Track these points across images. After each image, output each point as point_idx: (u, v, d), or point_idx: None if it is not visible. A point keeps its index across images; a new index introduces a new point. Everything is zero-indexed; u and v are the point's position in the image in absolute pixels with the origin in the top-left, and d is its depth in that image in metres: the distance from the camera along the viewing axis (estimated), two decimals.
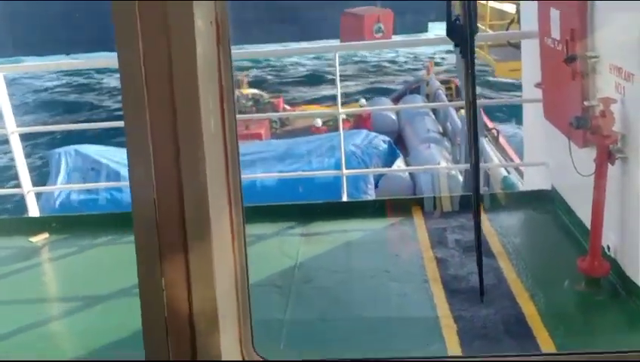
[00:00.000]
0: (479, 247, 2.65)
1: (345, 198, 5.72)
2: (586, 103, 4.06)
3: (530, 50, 5.79)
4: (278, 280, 4.44)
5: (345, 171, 5.72)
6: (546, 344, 3.74)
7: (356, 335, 3.85)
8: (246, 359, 1.60)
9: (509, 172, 10.89)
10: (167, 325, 1.56)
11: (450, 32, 2.39)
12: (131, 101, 1.49)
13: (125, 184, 7.93)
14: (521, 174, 10.82)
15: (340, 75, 5.47)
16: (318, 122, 14.93)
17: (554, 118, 4.92)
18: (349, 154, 7.57)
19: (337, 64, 5.23)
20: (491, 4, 12.11)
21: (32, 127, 7.40)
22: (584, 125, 3.83)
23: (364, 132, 9.96)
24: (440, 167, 10.99)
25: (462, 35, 2.33)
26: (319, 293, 4.32)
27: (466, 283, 4.38)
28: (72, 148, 8.63)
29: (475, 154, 2.40)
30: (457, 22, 2.37)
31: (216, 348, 1.56)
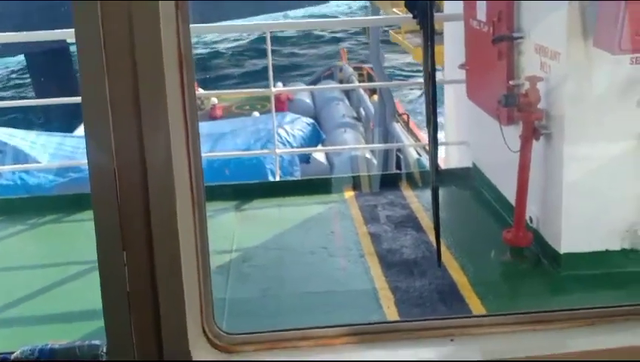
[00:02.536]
0: (437, 220, 2.75)
1: (277, 178, 5.72)
2: (511, 82, 4.29)
3: (452, 34, 6.04)
4: (215, 260, 4.37)
5: (278, 151, 5.71)
6: (478, 309, 3.96)
7: (299, 309, 3.89)
8: (207, 331, 1.58)
9: (420, 154, 11.36)
10: (129, 300, 1.51)
11: (409, 5, 2.44)
12: (90, 68, 1.41)
13: (36, 166, 7.48)
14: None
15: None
16: (214, 100, 14.73)
17: (478, 98, 5.17)
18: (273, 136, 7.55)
19: (269, 43, 5.19)
20: None
21: None
22: (512, 102, 4.05)
23: (288, 114, 9.99)
24: (377, 146, 11.38)
25: (420, 8, 2.39)
26: (259, 271, 4.30)
27: (400, 256, 4.53)
28: None
29: (433, 129, 2.48)
30: None
31: (182, 321, 1.53)
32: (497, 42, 4.32)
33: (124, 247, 1.46)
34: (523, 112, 4.02)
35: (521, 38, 4.29)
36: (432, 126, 2.57)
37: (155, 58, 1.39)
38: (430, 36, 2.38)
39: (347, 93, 17.65)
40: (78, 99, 5.61)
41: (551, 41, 3.90)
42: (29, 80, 23.80)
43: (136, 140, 1.43)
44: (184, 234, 1.51)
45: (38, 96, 22.82)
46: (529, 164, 4.14)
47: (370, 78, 19.53)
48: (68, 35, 5.28)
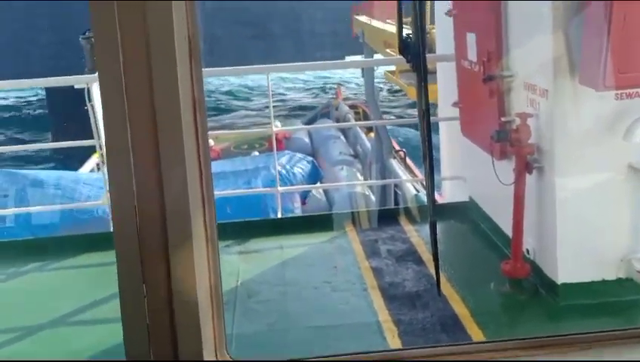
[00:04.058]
0: (435, 251, 2.86)
1: (279, 215, 5.86)
2: (503, 119, 4.48)
3: (444, 73, 6.26)
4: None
5: (280, 188, 5.86)
6: (479, 339, 4.04)
7: (304, 342, 3.97)
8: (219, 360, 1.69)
9: (417, 190, 11.51)
10: (148, 331, 1.62)
11: (402, 50, 2.62)
12: (113, 113, 1.56)
13: (39, 208, 7.57)
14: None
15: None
16: (211, 142, 14.96)
17: (472, 134, 5.35)
18: (275, 175, 7.71)
19: (269, 85, 5.41)
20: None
21: None
22: (504, 138, 4.22)
23: (289, 153, 10.19)
24: (374, 182, 11.58)
25: (413, 52, 2.57)
26: (264, 307, 4.39)
27: (402, 289, 4.63)
28: None
29: (429, 164, 2.62)
30: (409, 40, 2.61)
31: (199, 351, 1.64)
32: (488, 81, 4.52)
33: (144, 281, 1.59)
34: (515, 147, 4.18)
35: (510, 77, 4.49)
36: (429, 162, 2.71)
37: (172, 103, 1.54)
38: (424, 78, 2.55)
39: (344, 131, 17.92)
40: (87, 142, 5.75)
41: (539, 80, 4.09)
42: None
43: (155, 180, 1.56)
44: (199, 268, 1.64)
45: (53, 129, 23.48)
46: (523, 197, 4.28)
47: (366, 116, 19.87)
48: (91, 79, 5.49)
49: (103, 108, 1.56)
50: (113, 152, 1.56)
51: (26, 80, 6.13)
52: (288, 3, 24.25)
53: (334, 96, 22.95)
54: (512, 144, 4.21)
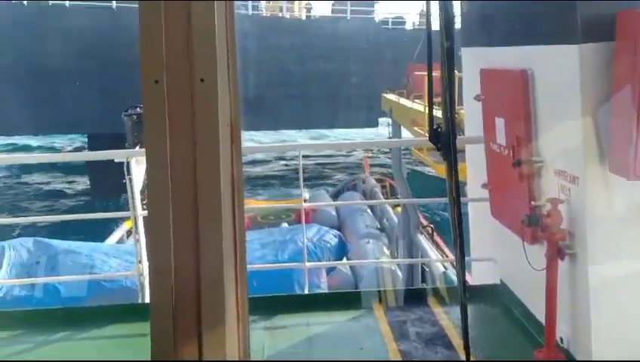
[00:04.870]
0: (466, 338, 2.83)
1: (306, 291, 5.83)
2: (533, 203, 4.47)
3: (473, 154, 6.33)
4: None
5: (307, 264, 5.87)
6: None
7: None
8: None
9: (445, 268, 11.35)
10: None
11: (432, 137, 2.70)
12: (157, 192, 1.66)
13: (68, 278, 7.68)
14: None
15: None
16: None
17: (502, 216, 5.33)
18: (302, 248, 7.74)
19: (301, 161, 5.55)
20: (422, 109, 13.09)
21: None
22: (535, 223, 4.21)
23: (316, 226, 10.24)
24: (412, 261, 11.54)
25: (443, 140, 2.64)
26: None
27: None
28: (18, 241, 8.37)
29: (460, 247, 2.64)
30: (439, 129, 2.69)
31: None
32: (517, 166, 4.56)
33: (176, 354, 1.63)
34: (546, 233, 4.16)
35: (540, 162, 4.53)
36: (459, 245, 2.73)
37: (213, 186, 1.64)
38: (454, 165, 2.61)
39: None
40: (123, 214, 5.91)
41: (569, 166, 4.11)
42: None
43: (193, 259, 1.64)
44: (230, 346, 1.68)
45: (90, 175, 24.28)
46: (556, 284, 4.21)
47: (392, 189, 19.99)
48: (131, 154, 5.76)
49: (149, 187, 1.66)
50: (154, 229, 1.65)
51: (70, 153, 6.41)
52: (325, 68, 25.33)
53: (361, 164, 23.36)
54: (543, 229, 4.19)
